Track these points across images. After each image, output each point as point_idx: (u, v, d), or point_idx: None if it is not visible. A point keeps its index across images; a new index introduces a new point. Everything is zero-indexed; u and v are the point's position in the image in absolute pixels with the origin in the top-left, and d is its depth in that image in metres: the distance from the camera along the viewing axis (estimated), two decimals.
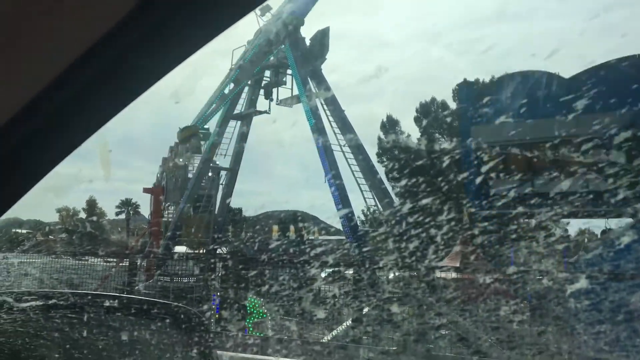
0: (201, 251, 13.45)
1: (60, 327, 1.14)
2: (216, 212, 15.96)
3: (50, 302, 1.24)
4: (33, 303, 1.14)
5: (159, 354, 1.27)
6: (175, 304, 1.34)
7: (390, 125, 19.35)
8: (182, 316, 1.26)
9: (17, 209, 0.96)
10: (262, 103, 17.00)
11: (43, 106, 0.70)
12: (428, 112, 18.25)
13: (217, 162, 16.21)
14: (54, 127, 0.74)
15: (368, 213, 14.74)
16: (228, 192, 16.34)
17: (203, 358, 1.22)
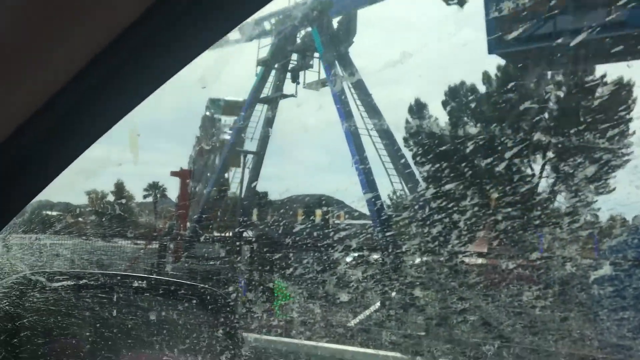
0: (227, 234, 13.55)
1: (91, 306, 1.19)
2: (242, 195, 16.05)
3: (81, 282, 1.29)
4: (65, 283, 1.19)
5: (186, 333, 1.31)
6: (202, 285, 1.38)
7: (418, 109, 19.19)
8: (208, 297, 1.29)
9: (47, 192, 1.00)
10: (288, 87, 16.97)
11: (73, 93, 0.73)
12: (456, 96, 18.04)
13: (244, 146, 16.27)
14: (84, 113, 0.77)
15: (394, 197, 14.69)
16: (254, 175, 16.42)
17: (229, 339, 1.26)
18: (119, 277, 1.30)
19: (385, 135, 14.77)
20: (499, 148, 8.31)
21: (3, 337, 1.09)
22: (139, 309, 1.29)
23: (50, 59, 0.69)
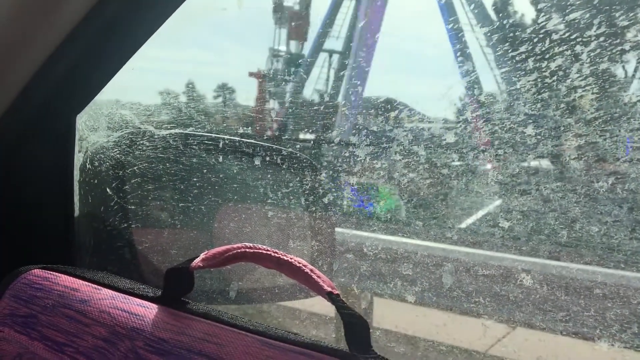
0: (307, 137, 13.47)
1: (198, 153, 1.22)
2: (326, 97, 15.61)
3: (188, 129, 1.32)
4: (172, 131, 1.22)
5: (290, 177, 1.32)
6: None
7: None
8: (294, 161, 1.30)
9: (115, 92, 1.00)
10: None
11: None
12: None
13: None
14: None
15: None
16: (338, 76, 15.75)
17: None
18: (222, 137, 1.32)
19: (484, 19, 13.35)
20: None
21: (115, 184, 1.16)
22: (245, 155, 1.31)
23: None
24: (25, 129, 1.06)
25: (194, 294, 1.09)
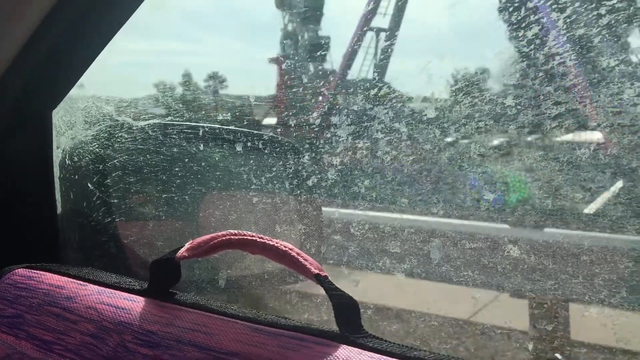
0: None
1: (178, 142, 1.21)
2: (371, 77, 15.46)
3: (167, 119, 1.31)
4: (150, 121, 1.20)
5: (273, 162, 1.31)
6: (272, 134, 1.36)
7: None
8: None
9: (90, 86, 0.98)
10: None
11: None
12: None
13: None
14: None
15: None
16: (386, 55, 15.56)
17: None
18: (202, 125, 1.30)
19: None
20: None
21: (96, 179, 1.14)
22: (226, 142, 1.30)
23: None
24: (1, 128, 1.04)
25: (184, 284, 1.08)
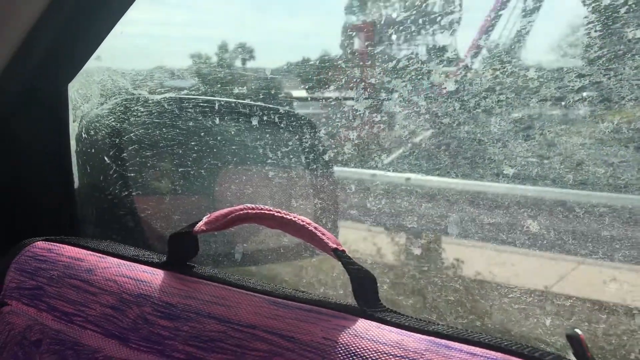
0: None
1: (194, 116, 1.21)
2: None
3: (182, 92, 1.30)
4: (167, 95, 1.20)
5: (288, 136, 1.31)
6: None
7: None
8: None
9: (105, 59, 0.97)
10: None
11: None
12: None
13: None
14: None
15: None
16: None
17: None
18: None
19: None
20: None
21: (113, 152, 1.14)
22: (241, 115, 1.29)
23: None
24: (16, 102, 1.04)
25: (200, 258, 1.09)
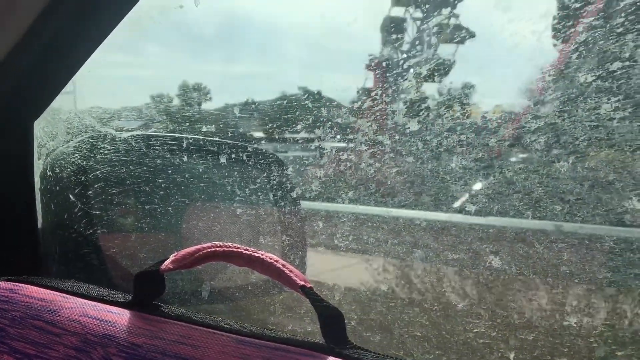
0: None
1: (161, 153, 1.21)
2: None
3: (150, 130, 1.30)
4: (134, 133, 1.20)
5: (257, 173, 1.32)
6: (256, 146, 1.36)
7: None
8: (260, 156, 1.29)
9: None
10: None
11: None
12: None
13: None
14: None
15: None
16: None
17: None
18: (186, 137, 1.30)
19: None
20: None
21: (78, 190, 1.13)
22: (209, 153, 1.30)
23: None
24: None
25: (166, 296, 1.08)
